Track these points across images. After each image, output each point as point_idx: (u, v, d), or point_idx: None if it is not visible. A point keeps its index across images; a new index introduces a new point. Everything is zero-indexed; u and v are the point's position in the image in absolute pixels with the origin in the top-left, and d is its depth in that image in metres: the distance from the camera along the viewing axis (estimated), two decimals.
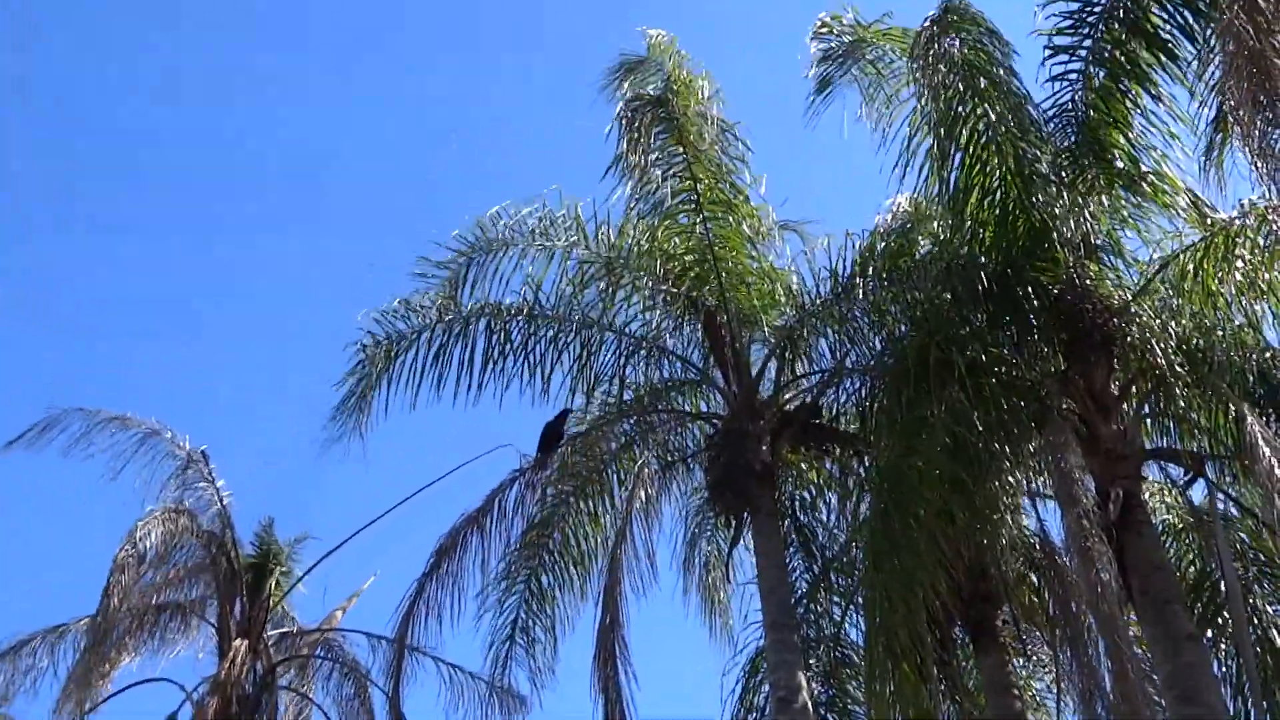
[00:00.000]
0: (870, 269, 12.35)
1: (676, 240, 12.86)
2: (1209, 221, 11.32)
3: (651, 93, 12.79)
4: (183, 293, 30.61)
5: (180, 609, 16.99)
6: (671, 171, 12.72)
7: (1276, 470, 9.35)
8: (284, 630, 17.84)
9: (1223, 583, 10.91)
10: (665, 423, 13.27)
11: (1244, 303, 11.19)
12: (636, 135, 12.44)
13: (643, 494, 12.29)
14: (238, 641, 16.43)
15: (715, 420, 12.98)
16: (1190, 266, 11.12)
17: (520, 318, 12.55)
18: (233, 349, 31.14)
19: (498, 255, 12.75)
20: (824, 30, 12.34)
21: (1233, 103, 9.20)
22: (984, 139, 10.96)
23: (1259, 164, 8.94)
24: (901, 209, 12.82)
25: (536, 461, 12.71)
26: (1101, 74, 11.23)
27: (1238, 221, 11.03)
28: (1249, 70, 8.83)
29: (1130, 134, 11.36)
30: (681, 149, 12.62)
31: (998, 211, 11.18)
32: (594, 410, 13.02)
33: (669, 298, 12.69)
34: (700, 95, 12.87)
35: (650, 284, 12.37)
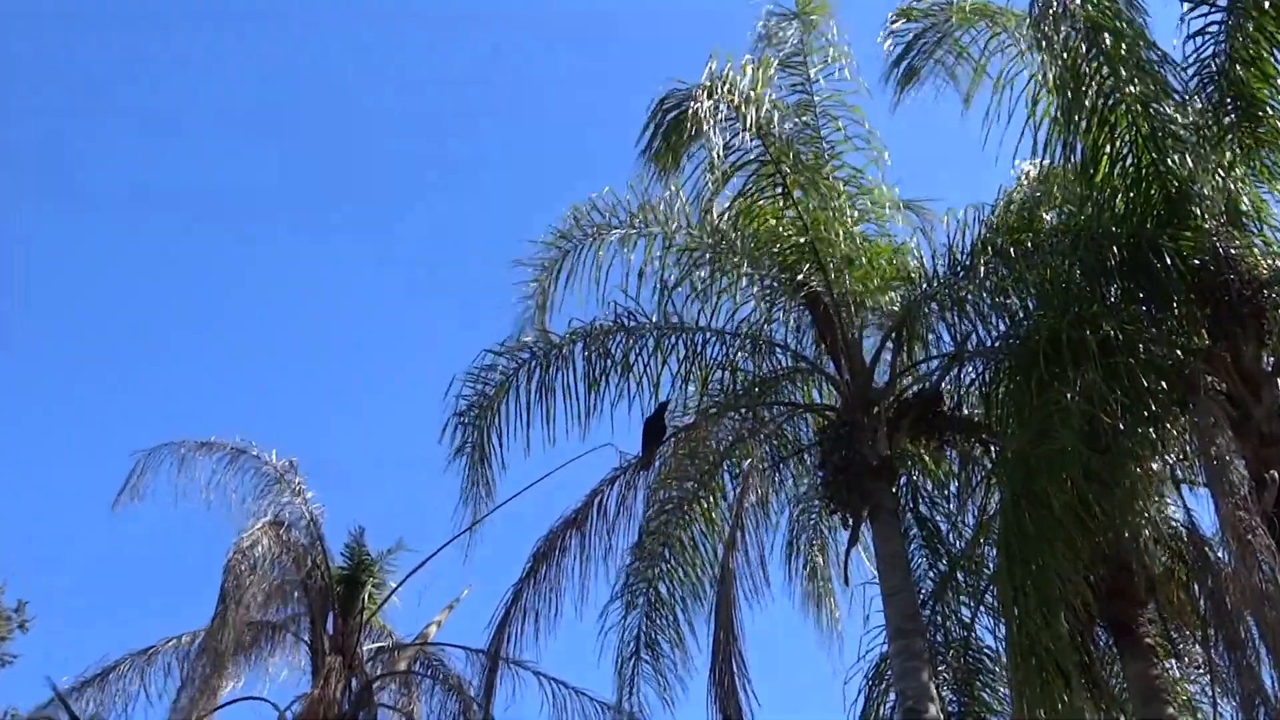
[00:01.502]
0: (991, 246, 12.23)
1: (778, 221, 12.83)
2: None
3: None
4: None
5: (271, 627, 17.40)
6: (771, 147, 12.71)
7: None
8: (380, 645, 18.20)
9: None
10: (776, 416, 13.28)
11: None
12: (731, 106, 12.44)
13: (753, 493, 12.30)
14: (331, 658, 16.77)
15: (828, 412, 12.97)
16: None
17: (618, 334, 12.66)
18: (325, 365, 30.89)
19: (595, 243, 12.84)
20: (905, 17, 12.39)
21: None
22: (1111, 101, 10.81)
23: None
24: (1025, 181, 12.68)
25: (640, 460, 12.79)
26: (1249, 26, 10.99)
27: None
28: None
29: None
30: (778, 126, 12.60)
31: (1130, 178, 11.03)
32: (700, 403, 13.05)
33: (774, 283, 12.68)
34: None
35: (753, 270, 12.36)
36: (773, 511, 13.30)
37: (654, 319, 12.69)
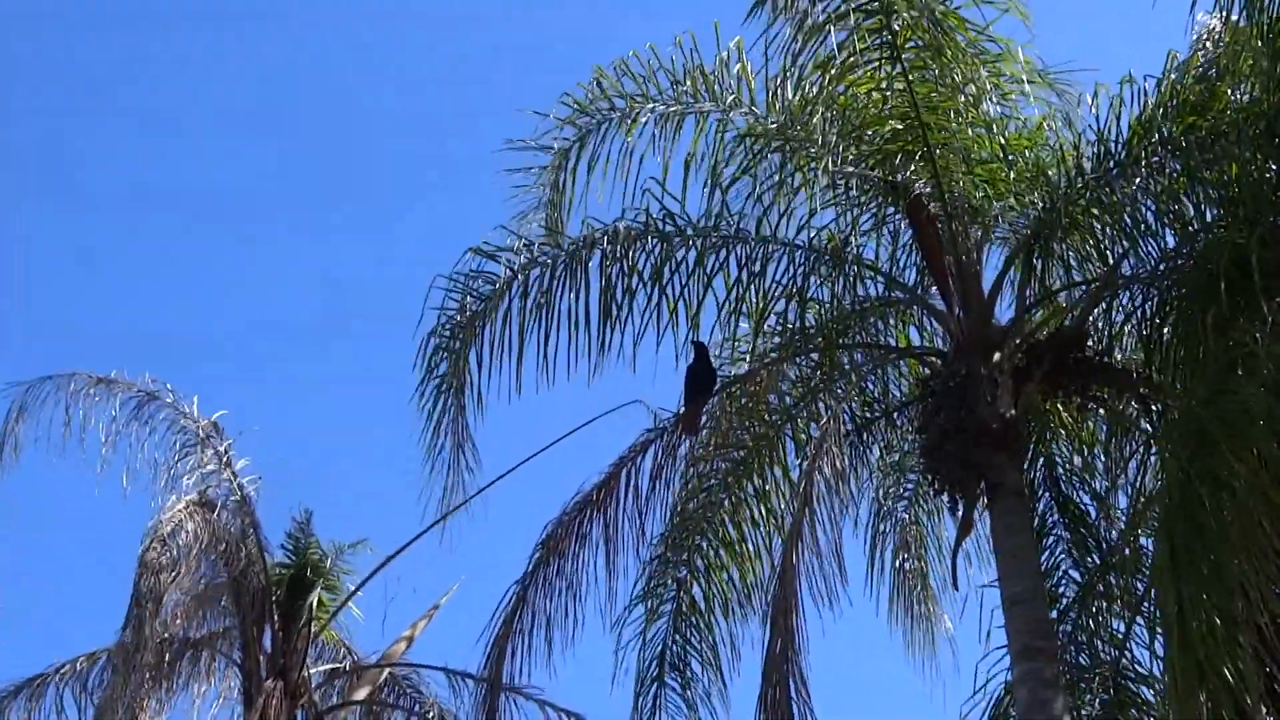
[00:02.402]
0: (1157, 133, 12.12)
1: (878, 97, 12.72)
2: None
3: None
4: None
5: (192, 644, 17.56)
6: (860, 5, 12.60)
7: None
8: (334, 666, 18.36)
9: None
10: (860, 363, 13.24)
11: None
12: None
13: (828, 466, 12.28)
14: (270, 683, 16.92)
15: (933, 358, 12.94)
16: None
17: (650, 240, 12.61)
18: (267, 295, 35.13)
19: (626, 122, 12.82)
20: None
21: None
22: None
23: None
24: (1205, 45, 12.52)
25: (682, 419, 12.78)
26: None
27: None
28: None
29: None
30: None
31: None
32: (757, 344, 13.05)
33: (866, 183, 12.59)
34: None
35: (839, 163, 12.27)
36: (853, 490, 13.30)
37: (699, 222, 12.67)
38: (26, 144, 35.27)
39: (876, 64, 12.74)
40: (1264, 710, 9.88)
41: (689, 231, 12.66)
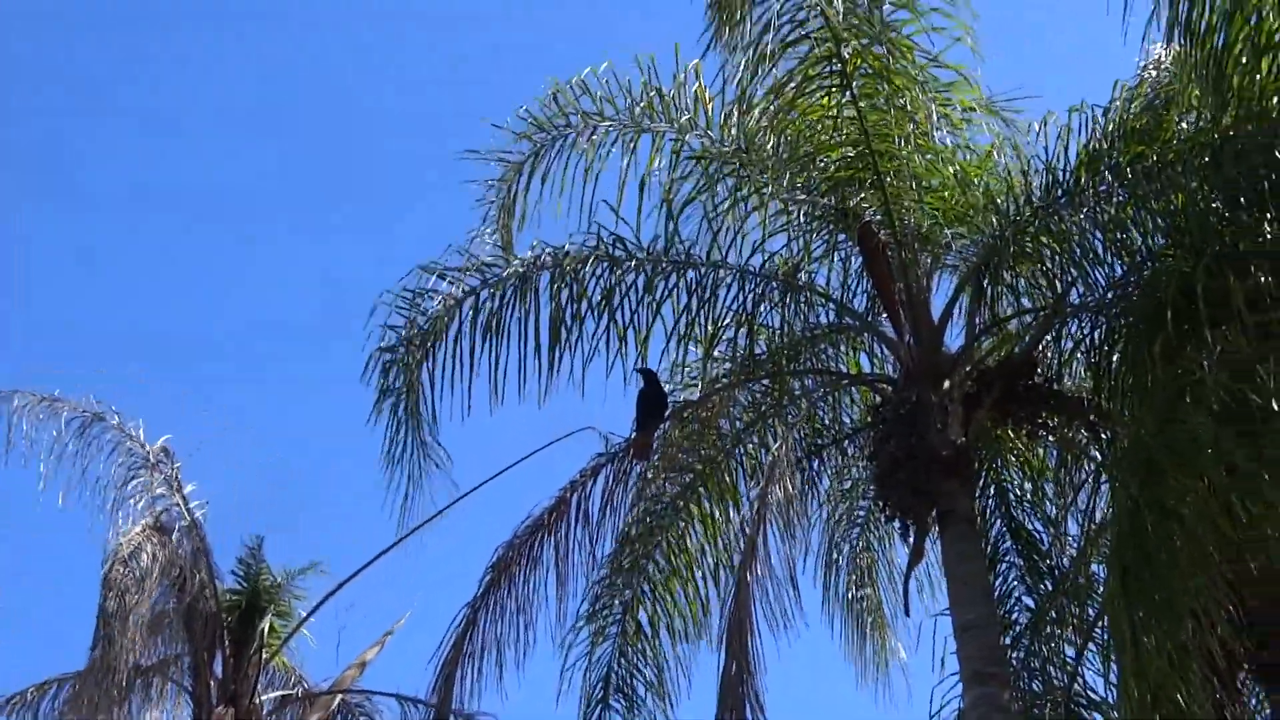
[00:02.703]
0: (1104, 162, 12.15)
1: (831, 123, 12.74)
2: None
3: None
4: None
5: (142, 670, 17.39)
6: (809, 34, 12.61)
7: None
8: (286, 693, 18.22)
9: None
10: (812, 389, 13.23)
11: None
12: None
13: (780, 491, 12.25)
14: (221, 710, 16.79)
15: (883, 385, 12.94)
16: None
17: (601, 263, 12.60)
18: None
19: (581, 138, 12.82)
20: None
21: None
22: None
23: None
24: (1152, 74, 12.59)
25: (635, 445, 12.76)
26: None
27: None
28: None
29: None
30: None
31: None
32: (706, 369, 13.05)
33: (816, 209, 12.59)
34: None
35: (790, 189, 12.29)
36: (806, 515, 13.27)
37: (651, 246, 12.66)
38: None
39: (827, 91, 12.75)
40: None
41: (639, 256, 12.67)
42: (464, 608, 13.02)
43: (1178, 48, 11.79)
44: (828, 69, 12.66)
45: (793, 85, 12.69)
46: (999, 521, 13.56)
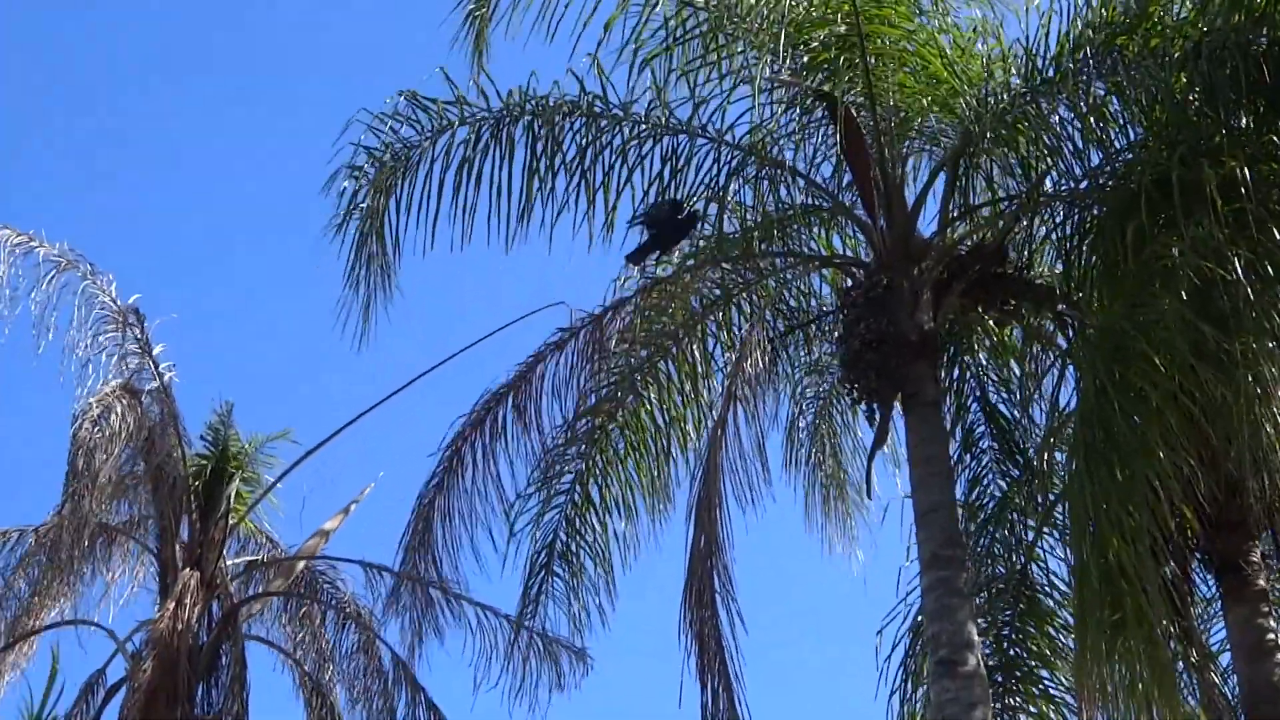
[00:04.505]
0: (1085, 50, 11.95)
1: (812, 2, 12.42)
2: None
3: None
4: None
5: (108, 531, 17.26)
6: None
7: None
8: (251, 559, 18.13)
9: None
10: (783, 268, 13.06)
11: None
12: None
13: (750, 367, 12.14)
14: (186, 573, 16.67)
15: (855, 268, 12.79)
16: None
17: (577, 116, 12.30)
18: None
19: None
20: None
21: None
22: None
23: None
24: None
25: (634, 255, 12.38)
26: None
27: None
28: None
29: None
30: None
31: None
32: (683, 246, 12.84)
33: (794, 87, 12.35)
34: None
35: (771, 57, 12.02)
36: (773, 393, 13.17)
37: (630, 107, 12.32)
38: None
39: None
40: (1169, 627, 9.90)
41: (618, 114, 12.37)
42: (427, 481, 12.90)
43: None
44: None
45: None
46: (974, 405, 13.48)
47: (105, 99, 35.89)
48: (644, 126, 12.39)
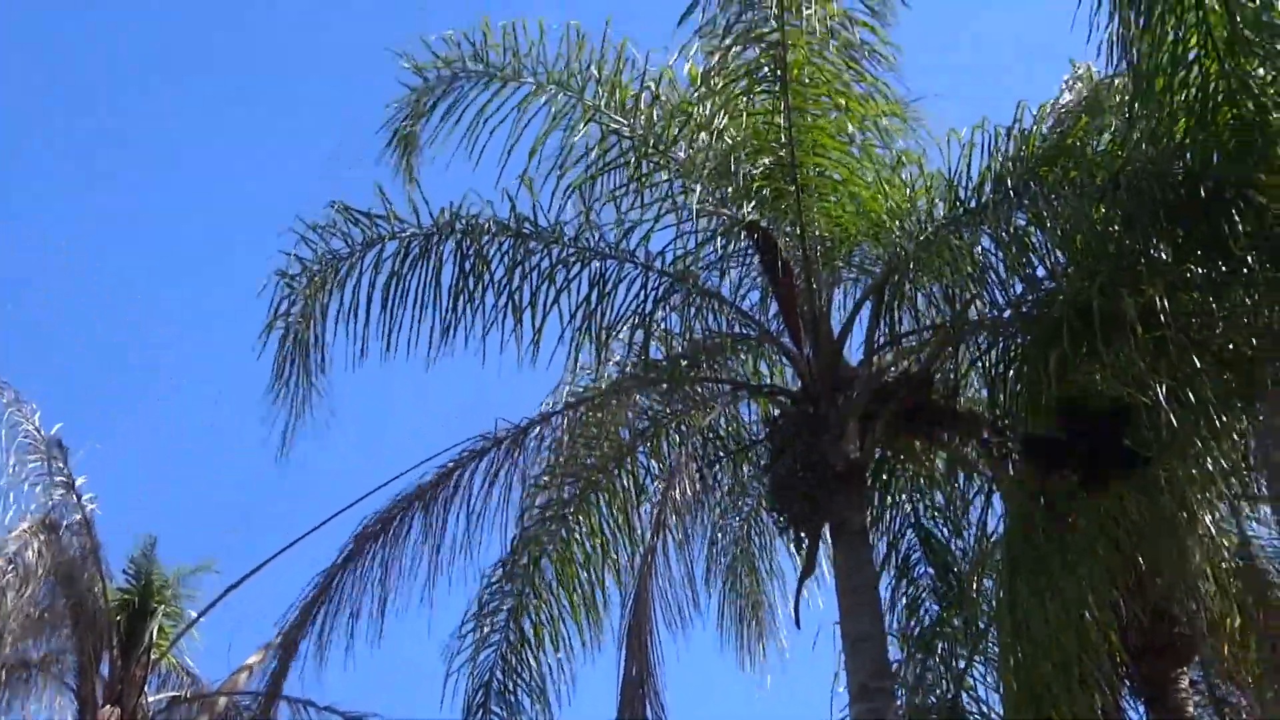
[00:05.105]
0: (1006, 181, 12.09)
1: (761, 123, 12.55)
2: None
3: None
4: None
5: (26, 666, 16.95)
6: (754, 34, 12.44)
7: None
8: (174, 694, 17.83)
9: None
10: (711, 397, 13.05)
11: None
12: None
13: (679, 495, 12.10)
14: (106, 710, 16.39)
15: (782, 396, 12.79)
16: None
17: (506, 237, 12.33)
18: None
19: (487, 85, 12.50)
20: None
21: None
22: None
23: None
24: (1070, 93, 12.59)
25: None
26: None
27: None
28: None
29: None
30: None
31: (1196, 95, 10.93)
32: (600, 369, 12.84)
33: (723, 212, 12.41)
34: None
35: (705, 186, 12.13)
36: (702, 521, 13.13)
37: (557, 228, 12.36)
38: None
39: (764, 96, 12.61)
40: None
41: (547, 236, 12.38)
42: (315, 578, 12.65)
43: (1094, 71, 11.94)
44: (768, 73, 12.52)
45: (739, 85, 12.58)
46: (909, 532, 13.44)
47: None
48: (572, 250, 12.40)
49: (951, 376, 12.55)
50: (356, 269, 12.49)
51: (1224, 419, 10.20)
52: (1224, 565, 11.56)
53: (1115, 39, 10.91)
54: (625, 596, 12.68)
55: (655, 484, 12.95)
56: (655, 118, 12.61)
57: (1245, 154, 10.95)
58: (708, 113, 12.52)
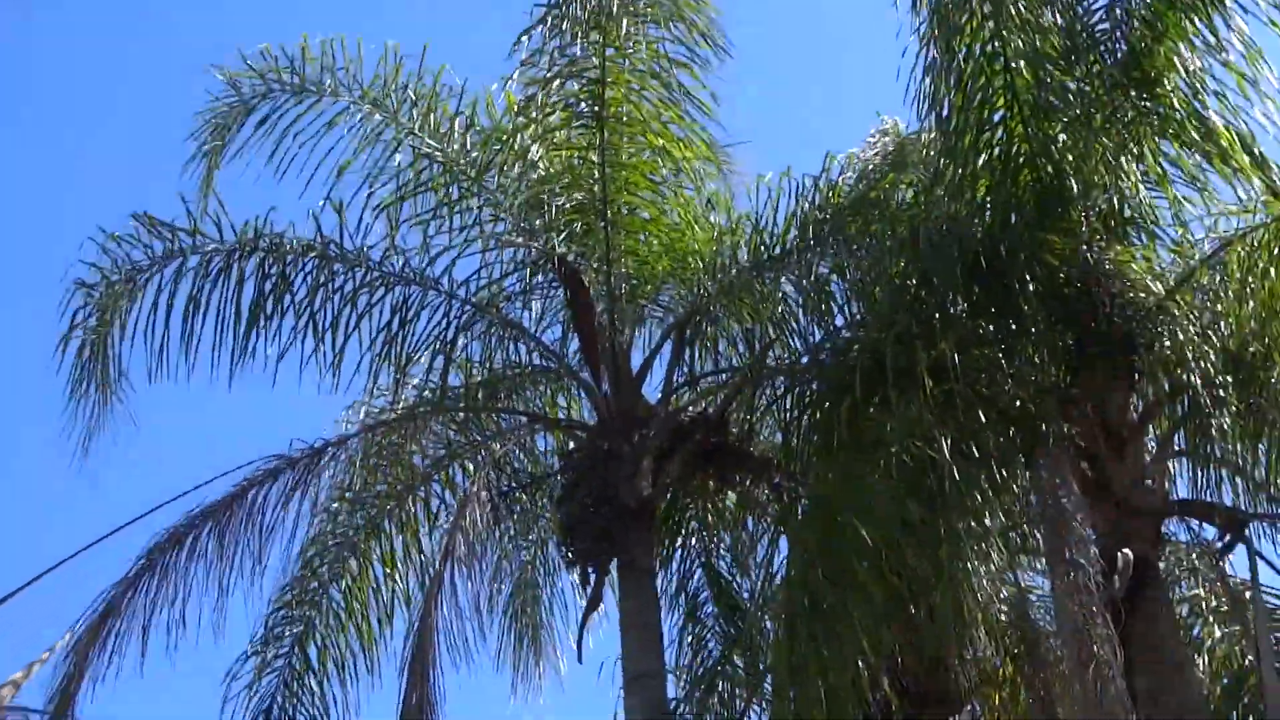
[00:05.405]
0: (810, 229, 12.26)
1: (575, 157, 12.63)
2: None
3: None
4: None
5: None
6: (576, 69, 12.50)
7: None
8: None
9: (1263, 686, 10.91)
10: (508, 428, 13.00)
11: None
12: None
13: (470, 526, 11.97)
14: None
15: (579, 430, 12.79)
16: (1255, 255, 11.16)
17: (311, 257, 12.19)
18: None
19: (300, 100, 12.40)
20: None
21: None
22: (987, 54, 10.95)
23: None
24: (878, 147, 12.80)
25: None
26: None
27: None
28: None
29: (1187, 67, 11.38)
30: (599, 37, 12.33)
31: (998, 158, 11.18)
32: (398, 393, 12.71)
33: (533, 255, 12.40)
34: None
35: (510, 221, 12.13)
36: (493, 552, 13.04)
37: (362, 252, 12.25)
38: None
39: (581, 130, 12.69)
40: None
41: (352, 259, 12.25)
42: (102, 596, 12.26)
43: (901, 126, 12.14)
44: (586, 109, 12.60)
45: (556, 117, 12.63)
46: (699, 571, 13.49)
47: None
48: (376, 274, 12.29)
49: (747, 419, 12.64)
50: (156, 281, 12.23)
51: (1004, 474, 10.37)
52: (999, 617, 11.81)
53: (925, 96, 11.14)
54: (411, 624, 12.49)
55: (447, 512, 12.80)
56: (469, 144, 12.61)
57: (1042, 217, 11.19)
58: (523, 143, 12.54)
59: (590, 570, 12.28)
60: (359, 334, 12.15)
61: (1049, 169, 11.10)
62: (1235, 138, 11.38)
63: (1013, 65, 10.93)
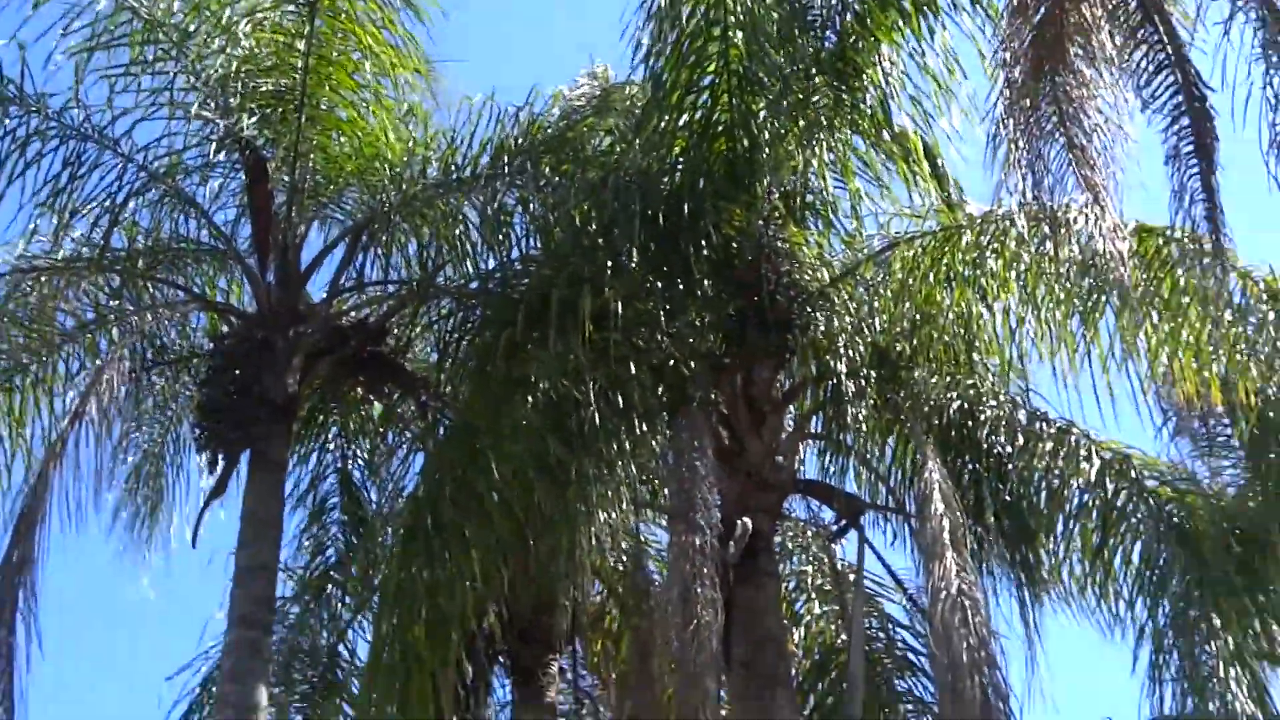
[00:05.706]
0: (503, 159, 12.21)
1: (264, 44, 12.26)
2: (970, 212, 11.76)
3: None
4: None
5: None
6: None
7: (944, 535, 9.82)
8: None
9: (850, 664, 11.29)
10: (163, 301, 12.64)
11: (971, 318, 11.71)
12: None
13: (105, 392, 11.60)
14: None
15: (235, 317, 12.54)
16: (919, 260, 11.55)
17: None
18: None
19: None
20: None
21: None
22: (709, 18, 11.08)
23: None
24: (590, 86, 12.84)
25: None
26: None
27: (1000, 221, 11.33)
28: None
29: (887, 68, 11.70)
30: None
31: (699, 121, 11.34)
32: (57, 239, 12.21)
33: (219, 124, 12.02)
34: None
35: (203, 94, 11.75)
36: (122, 422, 12.69)
37: (43, 96, 11.68)
38: None
39: (293, 17, 12.41)
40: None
41: (30, 103, 11.69)
42: None
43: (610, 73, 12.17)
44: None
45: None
46: (333, 475, 13.41)
47: None
48: (53, 124, 11.79)
49: (407, 333, 12.60)
50: None
51: (645, 427, 10.50)
52: (616, 566, 12.03)
53: (641, 45, 11.21)
54: (28, 481, 12.09)
55: (83, 375, 12.38)
56: (176, 7, 12.17)
57: (729, 186, 11.38)
58: (232, 17, 12.19)
59: (221, 456, 12.05)
60: (24, 180, 11.67)
61: (744, 141, 11.29)
62: (922, 145, 11.82)
63: (730, 34, 11.08)
